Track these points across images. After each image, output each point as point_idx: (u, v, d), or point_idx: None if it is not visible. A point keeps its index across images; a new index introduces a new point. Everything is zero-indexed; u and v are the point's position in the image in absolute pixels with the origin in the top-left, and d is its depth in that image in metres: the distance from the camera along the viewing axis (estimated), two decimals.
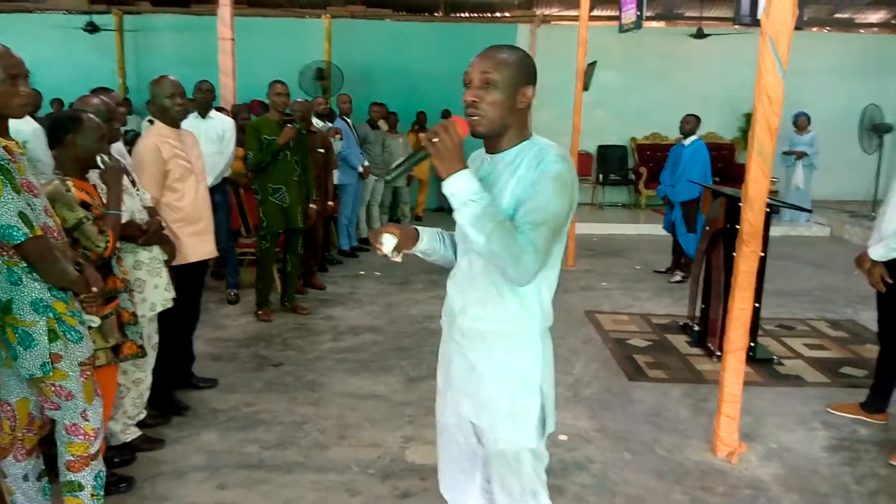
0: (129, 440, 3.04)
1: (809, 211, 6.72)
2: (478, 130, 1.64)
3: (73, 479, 2.31)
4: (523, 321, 1.71)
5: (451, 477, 1.97)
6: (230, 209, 5.55)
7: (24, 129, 3.20)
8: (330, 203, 6.12)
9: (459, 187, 1.55)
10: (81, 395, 2.25)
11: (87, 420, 2.29)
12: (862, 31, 11.28)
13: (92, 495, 2.34)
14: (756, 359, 4.31)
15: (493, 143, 1.70)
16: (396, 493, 2.78)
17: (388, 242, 1.70)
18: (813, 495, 2.86)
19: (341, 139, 6.40)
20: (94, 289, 2.30)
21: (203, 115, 5.11)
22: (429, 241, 1.86)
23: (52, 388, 2.21)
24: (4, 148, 2.10)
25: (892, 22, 10.98)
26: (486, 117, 1.63)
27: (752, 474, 3.01)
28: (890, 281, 3.19)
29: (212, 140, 4.99)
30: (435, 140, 1.55)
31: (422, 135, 1.57)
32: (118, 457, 2.92)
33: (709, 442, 3.21)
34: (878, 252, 3.20)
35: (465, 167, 1.57)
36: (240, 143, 5.26)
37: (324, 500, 2.71)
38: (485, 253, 1.57)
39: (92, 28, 10.23)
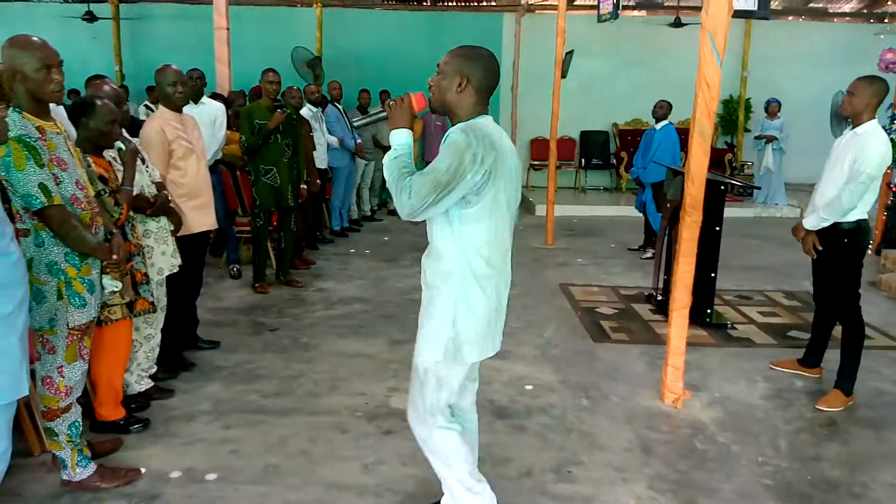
0: (142, 390, 3.41)
1: (757, 188, 7.07)
2: (431, 105, 2.14)
3: (48, 426, 2.57)
4: (448, 265, 2.10)
5: None
6: (224, 189, 5.87)
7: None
8: (303, 186, 6.01)
9: (396, 138, 2.08)
10: (62, 353, 2.50)
11: (63, 377, 2.52)
12: (835, 19, 11.66)
13: (68, 441, 2.58)
14: (711, 324, 4.72)
15: (450, 119, 2.15)
16: (381, 431, 3.17)
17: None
18: (745, 433, 3.26)
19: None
20: (115, 256, 2.62)
21: (196, 101, 5.43)
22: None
23: (41, 339, 2.48)
24: (37, 128, 2.43)
25: (864, 11, 11.35)
26: (433, 95, 2.12)
27: (694, 417, 3.42)
28: (820, 248, 3.59)
29: (205, 125, 5.27)
30: (391, 104, 2.11)
31: (388, 102, 2.11)
32: (134, 402, 3.30)
33: (659, 391, 3.61)
34: (810, 222, 3.58)
35: (411, 128, 2.09)
36: (237, 128, 5.58)
37: (317, 436, 3.11)
38: (389, 187, 2.01)
39: (90, 17, 10.50)
